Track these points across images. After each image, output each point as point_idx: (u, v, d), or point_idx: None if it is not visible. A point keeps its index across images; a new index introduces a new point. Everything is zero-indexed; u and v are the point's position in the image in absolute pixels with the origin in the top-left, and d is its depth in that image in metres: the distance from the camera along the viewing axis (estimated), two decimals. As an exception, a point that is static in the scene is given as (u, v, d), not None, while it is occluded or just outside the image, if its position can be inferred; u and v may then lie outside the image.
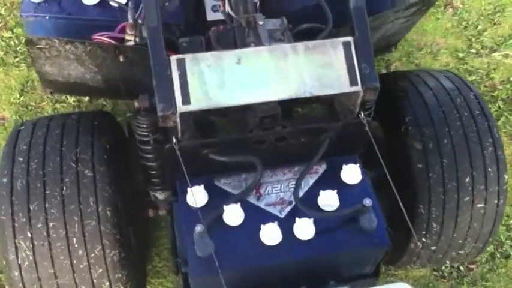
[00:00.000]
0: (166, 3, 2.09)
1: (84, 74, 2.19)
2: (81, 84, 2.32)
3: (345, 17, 2.18)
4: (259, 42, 1.80)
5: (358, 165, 1.86)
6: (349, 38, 1.75)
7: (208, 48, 2.01)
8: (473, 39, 3.41)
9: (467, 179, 1.97)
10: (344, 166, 1.86)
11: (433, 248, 2.07)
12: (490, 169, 1.98)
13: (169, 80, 1.65)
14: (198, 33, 2.23)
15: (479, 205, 1.99)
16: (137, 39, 1.88)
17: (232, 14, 1.91)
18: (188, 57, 1.67)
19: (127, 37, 1.88)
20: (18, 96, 3.00)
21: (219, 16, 2.31)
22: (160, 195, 2.04)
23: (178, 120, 1.66)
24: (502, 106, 3.12)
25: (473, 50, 3.36)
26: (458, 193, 1.97)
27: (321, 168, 1.90)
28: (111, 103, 3.00)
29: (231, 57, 1.69)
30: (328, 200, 1.78)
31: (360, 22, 1.75)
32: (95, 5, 2.16)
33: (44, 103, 3.00)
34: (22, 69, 3.11)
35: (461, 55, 3.32)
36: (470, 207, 1.99)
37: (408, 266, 2.21)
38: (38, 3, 2.14)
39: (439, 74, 2.23)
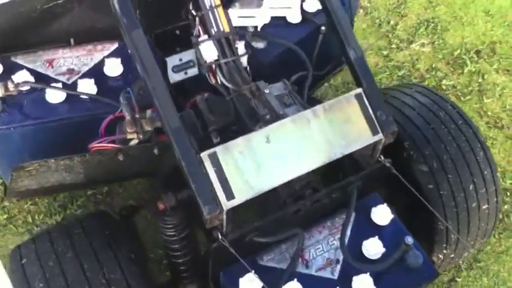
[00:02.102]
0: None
1: (66, 177, 1.98)
2: (56, 186, 2.09)
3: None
4: (273, 113, 1.76)
5: (385, 204, 1.91)
6: (359, 90, 1.77)
7: (201, 120, 1.92)
8: (390, 35, 3.61)
9: (471, 187, 2.10)
10: (373, 209, 1.90)
11: (452, 255, 2.19)
12: (485, 172, 2.14)
13: (206, 178, 1.55)
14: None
15: (483, 207, 2.14)
16: (140, 136, 1.73)
17: (230, 86, 1.83)
18: (219, 150, 1.58)
19: (129, 136, 1.73)
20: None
21: (182, 76, 2.22)
22: (191, 286, 1.93)
23: (224, 217, 1.57)
24: (434, 93, 3.34)
25: (393, 46, 3.56)
26: (467, 202, 2.09)
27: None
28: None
29: (259, 138, 1.63)
30: (374, 248, 1.81)
31: (365, 72, 1.78)
32: (62, 102, 1.94)
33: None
34: None
35: (385, 53, 3.50)
36: (477, 211, 2.13)
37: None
38: (-4, 116, 1.88)
39: (410, 91, 2.33)
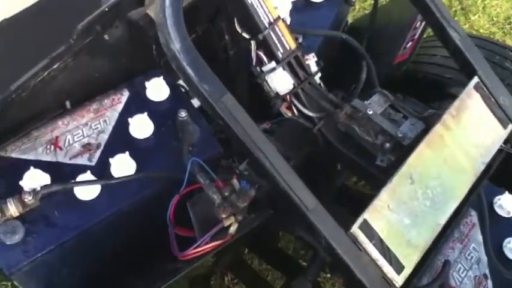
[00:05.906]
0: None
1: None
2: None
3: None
4: (389, 138, 1.38)
5: (506, 192, 1.66)
6: (476, 79, 1.44)
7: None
8: None
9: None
10: (495, 201, 1.66)
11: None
12: None
13: (367, 257, 1.20)
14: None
15: None
16: (239, 218, 1.31)
17: (314, 115, 1.43)
18: (368, 216, 1.22)
19: (227, 223, 1.30)
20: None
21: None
22: None
23: (396, 293, 1.24)
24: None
25: None
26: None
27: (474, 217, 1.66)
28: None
29: (403, 182, 1.28)
30: (520, 248, 1.58)
31: (475, 54, 1.45)
32: (99, 195, 1.44)
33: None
34: None
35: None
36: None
37: None
38: (23, 242, 1.36)
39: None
